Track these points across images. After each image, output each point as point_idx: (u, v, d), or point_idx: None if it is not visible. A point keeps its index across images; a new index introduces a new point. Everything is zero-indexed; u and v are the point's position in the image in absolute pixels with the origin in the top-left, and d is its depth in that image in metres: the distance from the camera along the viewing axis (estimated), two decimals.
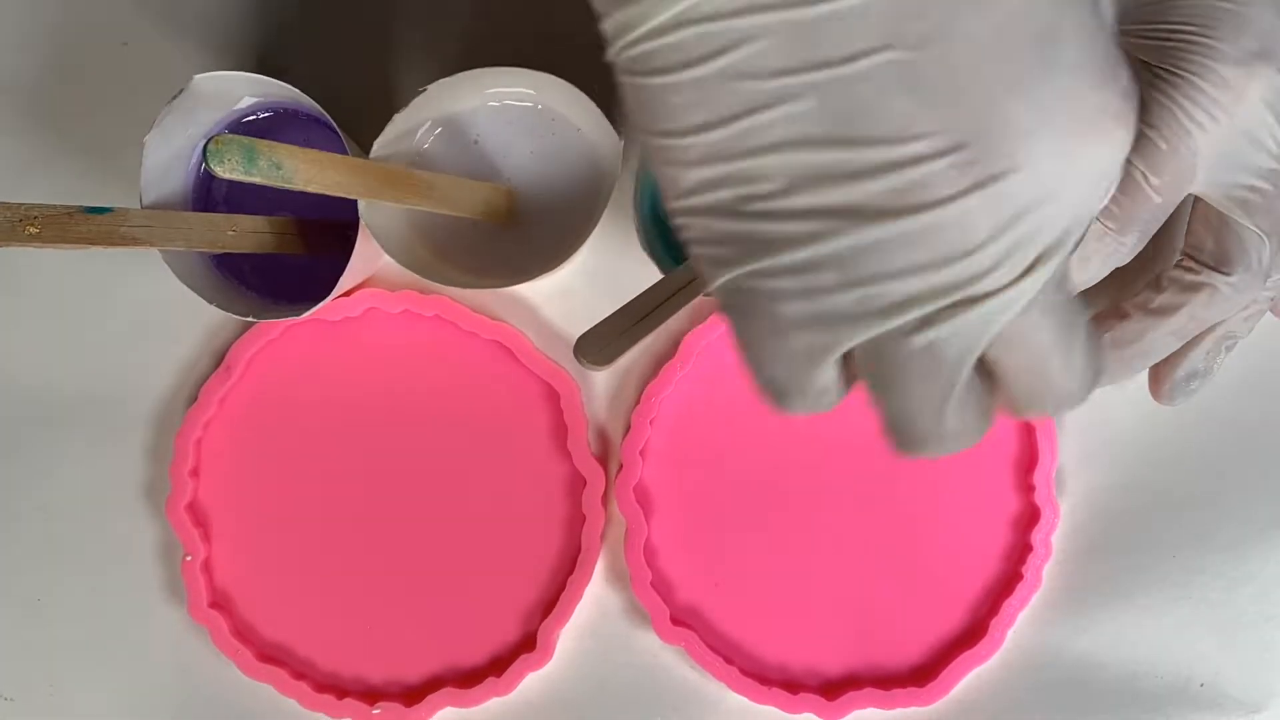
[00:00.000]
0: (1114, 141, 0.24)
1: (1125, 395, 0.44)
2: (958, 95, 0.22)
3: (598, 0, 0.23)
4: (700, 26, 0.22)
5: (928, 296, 0.23)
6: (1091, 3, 0.24)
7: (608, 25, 0.23)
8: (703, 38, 0.22)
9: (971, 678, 0.44)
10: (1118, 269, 0.39)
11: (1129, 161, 0.36)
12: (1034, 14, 0.22)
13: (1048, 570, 0.44)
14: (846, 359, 0.25)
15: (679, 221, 0.25)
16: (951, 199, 0.22)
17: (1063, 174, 0.23)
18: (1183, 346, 0.41)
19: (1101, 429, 0.44)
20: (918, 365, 0.24)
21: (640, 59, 0.23)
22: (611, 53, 0.24)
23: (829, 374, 0.25)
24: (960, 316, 0.23)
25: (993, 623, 0.43)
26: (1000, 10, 0.22)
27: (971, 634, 0.44)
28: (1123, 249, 0.38)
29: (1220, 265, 0.37)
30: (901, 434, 0.25)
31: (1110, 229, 0.38)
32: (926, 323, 0.23)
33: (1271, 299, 0.40)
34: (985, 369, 0.26)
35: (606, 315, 0.34)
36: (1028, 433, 0.44)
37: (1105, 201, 0.24)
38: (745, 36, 0.22)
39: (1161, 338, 0.39)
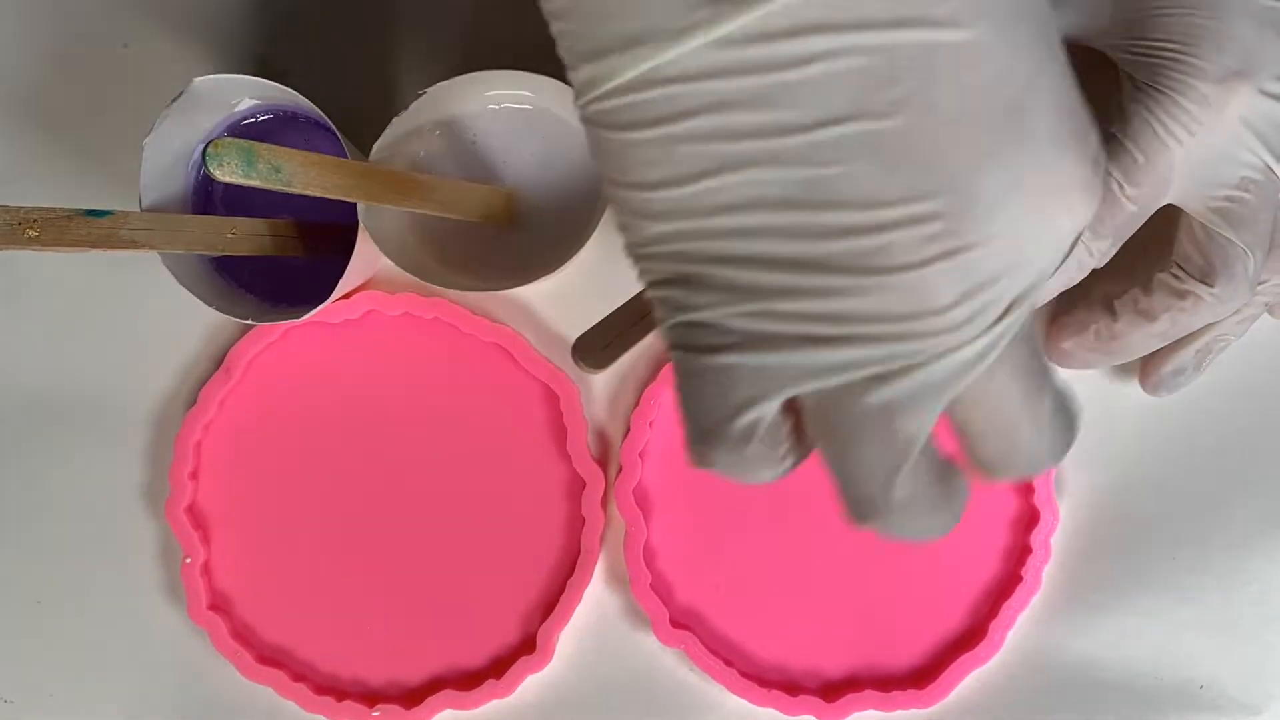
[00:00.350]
0: (1080, 214, 0.23)
1: (1125, 396, 0.44)
2: (927, 165, 0.21)
3: (564, 53, 0.23)
4: (666, 88, 0.21)
5: (883, 357, 0.22)
6: (1064, 57, 0.23)
7: (574, 79, 0.23)
8: (669, 99, 0.22)
9: (971, 679, 0.44)
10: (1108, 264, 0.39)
11: (1106, 171, 0.36)
12: (1008, 80, 0.21)
13: (1047, 572, 0.44)
14: (799, 422, 0.24)
15: (638, 266, 0.24)
16: (916, 265, 0.22)
17: (1030, 242, 0.22)
18: (1173, 345, 0.41)
19: (1101, 430, 0.44)
20: (870, 427, 0.23)
21: (607, 114, 0.22)
22: (579, 104, 0.23)
23: (762, 420, 0.24)
24: (916, 376, 0.23)
25: (992, 624, 0.43)
26: (974, 78, 0.21)
27: (971, 636, 0.44)
28: (1096, 254, 0.38)
29: (1204, 277, 0.37)
30: (851, 500, 0.24)
31: (1084, 236, 0.38)
32: (881, 380, 0.23)
33: (1267, 304, 0.40)
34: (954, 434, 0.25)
35: (604, 317, 0.34)
36: None
37: (1068, 256, 0.24)
38: (711, 101, 0.21)
39: (1144, 338, 0.40)
